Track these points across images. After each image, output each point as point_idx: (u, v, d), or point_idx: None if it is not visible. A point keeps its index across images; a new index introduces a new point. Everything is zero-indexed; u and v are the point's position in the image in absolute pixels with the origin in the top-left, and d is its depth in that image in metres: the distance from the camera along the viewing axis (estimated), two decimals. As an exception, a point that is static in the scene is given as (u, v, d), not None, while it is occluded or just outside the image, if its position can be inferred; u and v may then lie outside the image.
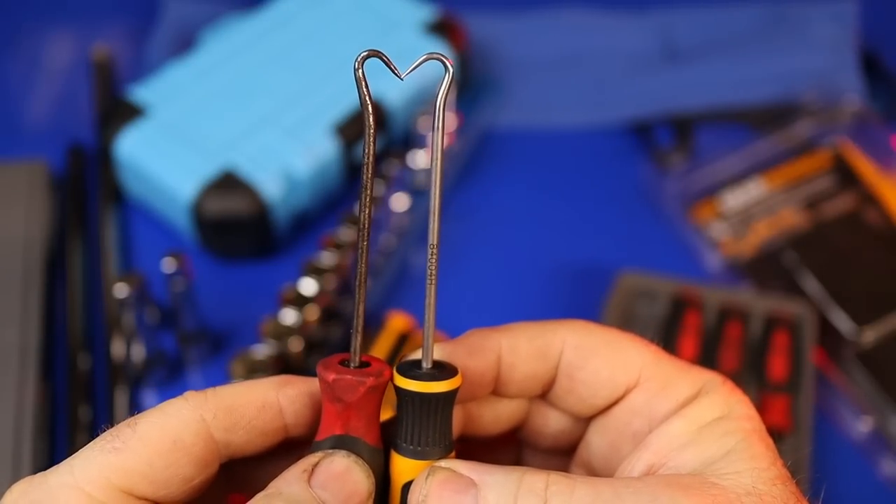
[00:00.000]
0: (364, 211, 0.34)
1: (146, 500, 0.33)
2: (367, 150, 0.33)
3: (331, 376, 0.33)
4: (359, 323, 0.34)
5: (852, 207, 0.78)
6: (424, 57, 0.33)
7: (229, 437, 0.34)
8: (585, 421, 0.39)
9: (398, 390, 0.34)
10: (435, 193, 0.34)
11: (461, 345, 0.37)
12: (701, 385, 0.36)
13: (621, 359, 0.37)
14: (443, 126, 0.33)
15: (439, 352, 0.36)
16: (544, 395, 0.39)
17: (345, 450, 0.34)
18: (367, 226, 0.34)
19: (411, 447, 0.35)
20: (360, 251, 0.34)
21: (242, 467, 0.36)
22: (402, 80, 0.33)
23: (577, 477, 0.33)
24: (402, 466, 0.35)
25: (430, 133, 0.34)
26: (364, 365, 0.34)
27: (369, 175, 0.33)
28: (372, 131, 0.33)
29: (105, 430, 0.33)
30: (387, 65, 0.33)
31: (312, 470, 0.33)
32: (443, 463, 0.34)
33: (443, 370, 0.35)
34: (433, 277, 0.34)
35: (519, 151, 0.84)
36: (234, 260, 0.75)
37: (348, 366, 0.34)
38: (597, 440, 0.38)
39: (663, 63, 0.88)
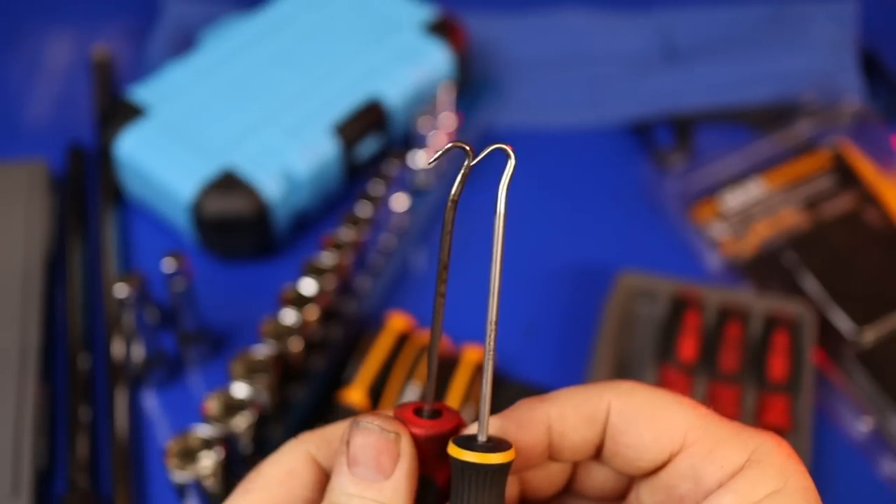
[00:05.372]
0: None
1: None
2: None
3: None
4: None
5: (852, 207, 0.78)
6: (491, 148, 0.35)
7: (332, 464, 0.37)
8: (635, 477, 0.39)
9: (454, 462, 0.35)
10: (495, 274, 0.35)
11: (511, 419, 0.37)
12: (752, 450, 0.35)
13: (665, 422, 0.36)
14: (504, 212, 0.35)
15: (490, 427, 0.37)
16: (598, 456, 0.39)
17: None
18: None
19: None
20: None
21: None
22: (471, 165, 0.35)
23: None
24: None
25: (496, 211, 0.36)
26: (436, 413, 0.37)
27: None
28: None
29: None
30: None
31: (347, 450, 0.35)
32: None
33: (498, 443, 0.36)
34: (492, 352, 0.35)
35: (519, 151, 0.82)
36: (234, 260, 0.75)
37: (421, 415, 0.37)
38: (646, 498, 0.38)
39: (663, 63, 0.88)
